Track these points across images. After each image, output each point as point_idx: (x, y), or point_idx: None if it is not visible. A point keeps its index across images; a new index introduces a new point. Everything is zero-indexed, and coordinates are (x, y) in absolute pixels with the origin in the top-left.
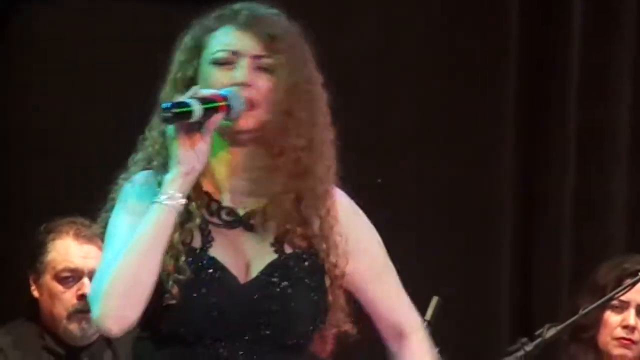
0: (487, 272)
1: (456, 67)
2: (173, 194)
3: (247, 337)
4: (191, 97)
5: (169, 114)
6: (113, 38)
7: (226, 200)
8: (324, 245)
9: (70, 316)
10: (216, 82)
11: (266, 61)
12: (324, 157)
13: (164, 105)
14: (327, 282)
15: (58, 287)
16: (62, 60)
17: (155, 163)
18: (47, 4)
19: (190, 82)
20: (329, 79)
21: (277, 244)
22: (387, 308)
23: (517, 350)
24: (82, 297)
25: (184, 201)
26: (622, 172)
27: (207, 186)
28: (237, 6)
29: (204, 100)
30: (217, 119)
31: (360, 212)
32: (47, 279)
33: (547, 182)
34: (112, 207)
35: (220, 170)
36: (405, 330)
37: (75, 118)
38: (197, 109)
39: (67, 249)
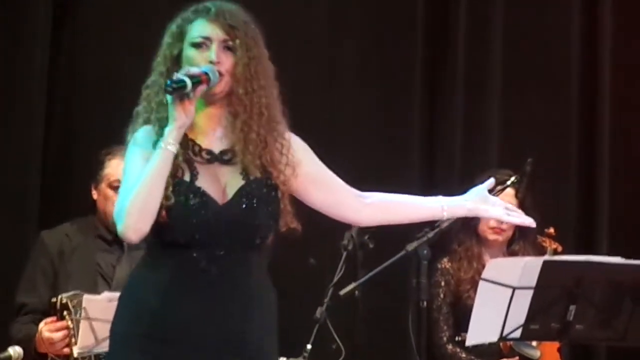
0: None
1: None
2: (170, 141)
3: (225, 241)
4: (184, 75)
5: (170, 89)
6: (149, 15)
7: (204, 144)
8: (280, 168)
9: None
10: (195, 60)
11: (229, 44)
12: (278, 109)
13: (167, 82)
14: (279, 194)
15: (110, 192)
16: (113, 29)
17: (152, 116)
18: None
19: (176, 59)
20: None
21: (244, 173)
22: (342, 185)
23: (423, 236)
24: None
25: (177, 146)
26: (493, 107)
27: (190, 134)
28: (208, 4)
29: (192, 77)
30: (202, 88)
31: (307, 146)
32: (103, 186)
33: (444, 128)
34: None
35: (200, 122)
36: (359, 192)
37: (121, 71)
38: (189, 83)
39: (118, 166)
